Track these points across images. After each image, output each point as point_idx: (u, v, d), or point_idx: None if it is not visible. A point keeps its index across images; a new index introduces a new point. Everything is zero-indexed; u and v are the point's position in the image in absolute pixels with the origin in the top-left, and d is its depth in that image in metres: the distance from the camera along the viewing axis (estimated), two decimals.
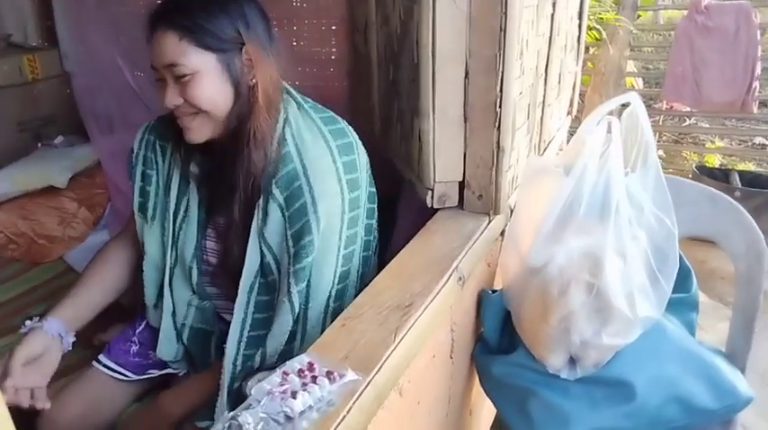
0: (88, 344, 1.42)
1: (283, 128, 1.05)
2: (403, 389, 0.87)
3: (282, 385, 0.70)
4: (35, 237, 1.89)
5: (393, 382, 0.82)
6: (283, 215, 1.03)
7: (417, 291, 0.95)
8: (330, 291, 1.06)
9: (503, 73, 1.10)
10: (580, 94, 4.01)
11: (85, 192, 2.01)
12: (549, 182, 1.13)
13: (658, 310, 1.06)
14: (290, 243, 1.02)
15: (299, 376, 0.72)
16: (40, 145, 2.28)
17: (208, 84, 1.00)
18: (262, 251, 1.06)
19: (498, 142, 1.15)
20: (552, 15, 1.43)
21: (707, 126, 4.29)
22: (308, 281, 1.03)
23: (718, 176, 3.14)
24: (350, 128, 1.13)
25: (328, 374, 0.72)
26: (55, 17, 2.27)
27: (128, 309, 1.39)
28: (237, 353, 1.08)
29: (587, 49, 4.13)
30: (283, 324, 1.03)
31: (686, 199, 1.24)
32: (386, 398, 0.80)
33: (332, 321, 0.98)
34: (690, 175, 3.30)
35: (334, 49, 1.94)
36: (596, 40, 3.96)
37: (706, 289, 2.47)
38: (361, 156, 1.11)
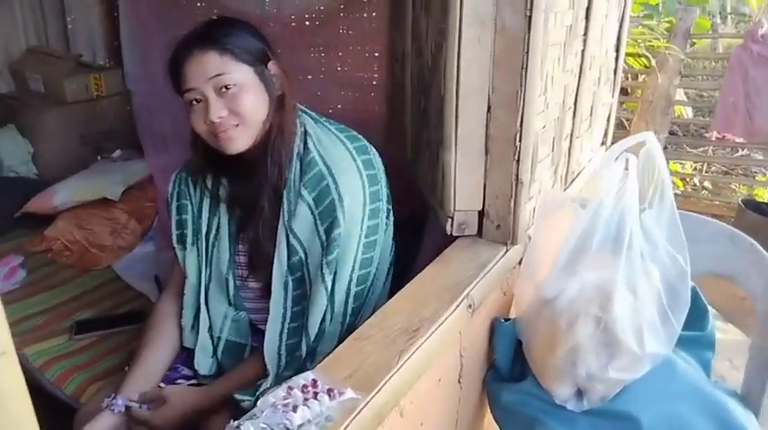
0: (126, 349, 1.53)
1: (305, 138, 1.17)
2: (404, 409, 0.91)
3: (286, 399, 0.76)
4: (88, 246, 2.03)
5: (394, 403, 0.87)
6: (312, 214, 1.13)
7: (426, 316, 1.00)
8: (351, 275, 1.15)
9: (523, 108, 1.14)
10: (627, 121, 3.99)
11: (136, 204, 2.14)
12: (566, 215, 1.16)
13: (667, 347, 1.07)
14: (323, 237, 1.13)
15: (303, 391, 0.78)
16: (99, 158, 2.45)
17: (250, 94, 1.11)
18: (289, 245, 1.15)
19: (517, 174, 1.19)
20: (583, 51, 1.46)
21: (760, 158, 4.16)
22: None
23: (766, 211, 3.04)
24: (363, 138, 1.24)
25: (329, 391, 0.78)
26: (121, 38, 2.45)
27: None
28: (281, 343, 1.18)
29: (636, 76, 4.10)
30: (320, 309, 1.13)
31: (705, 237, 1.25)
32: (385, 418, 0.85)
33: (354, 302, 1.15)
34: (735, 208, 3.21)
35: (376, 75, 2.01)
36: (645, 67, 3.93)
37: (743, 327, 2.39)
38: (376, 157, 1.22)
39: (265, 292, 1.22)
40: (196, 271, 1.28)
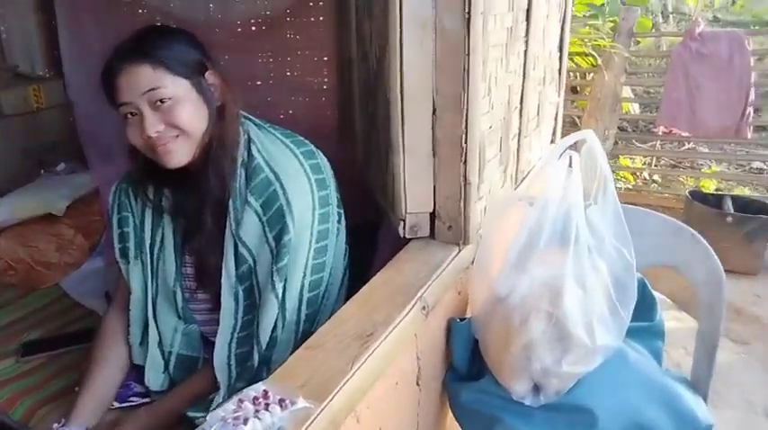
0: (76, 369, 1.48)
1: (248, 145, 1.15)
2: (361, 415, 0.90)
3: (236, 412, 0.74)
4: (33, 264, 1.95)
5: (349, 409, 0.86)
6: (261, 220, 1.12)
7: (380, 320, 0.99)
8: (303, 281, 1.14)
9: (467, 110, 1.15)
10: (578, 118, 4.08)
11: (83, 219, 2.07)
12: (514, 213, 1.18)
13: (618, 339, 1.09)
14: (273, 244, 1.11)
15: (254, 403, 0.77)
16: (43, 171, 2.36)
17: (187, 106, 1.08)
18: (238, 254, 1.13)
19: (465, 175, 1.20)
20: (525, 52, 1.49)
21: (705, 151, 4.32)
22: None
23: (711, 202, 3.15)
24: (311, 144, 1.22)
25: (281, 402, 0.77)
26: (60, 47, 2.37)
27: None
28: (230, 354, 1.16)
29: (584, 74, 4.20)
30: (271, 317, 1.11)
31: (650, 229, 1.28)
32: (341, 424, 0.84)
33: (306, 309, 1.13)
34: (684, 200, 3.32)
35: (326, 80, 2.00)
36: (593, 66, 4.03)
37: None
38: (324, 162, 1.21)
39: (215, 304, 1.20)
40: (141, 284, 1.25)
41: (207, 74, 1.12)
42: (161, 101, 1.05)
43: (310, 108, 2.04)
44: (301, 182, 1.13)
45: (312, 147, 1.21)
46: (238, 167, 1.14)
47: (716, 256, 1.21)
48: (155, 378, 1.25)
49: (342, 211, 1.25)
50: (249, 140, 1.16)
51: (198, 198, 1.14)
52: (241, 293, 1.16)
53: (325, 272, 1.19)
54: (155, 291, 1.24)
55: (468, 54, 1.10)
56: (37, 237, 1.99)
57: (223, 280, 1.15)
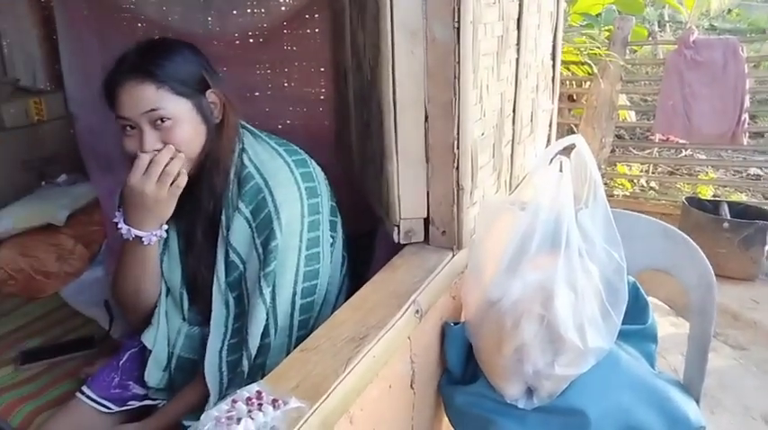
0: (75, 376, 1.49)
1: (240, 156, 1.17)
2: (354, 417, 0.92)
3: (229, 412, 0.76)
4: (33, 274, 1.97)
5: (342, 410, 0.87)
6: (250, 226, 1.13)
7: (373, 323, 1.01)
8: (295, 288, 1.15)
9: (459, 117, 1.17)
10: (575, 126, 4.10)
11: (83, 229, 2.09)
12: (506, 218, 1.19)
13: (609, 341, 1.10)
14: (260, 250, 1.12)
15: (247, 404, 0.78)
16: (43, 183, 2.38)
17: (187, 127, 1.10)
18: (228, 261, 1.14)
19: (458, 181, 1.22)
20: (517, 60, 1.51)
21: (703, 157, 4.34)
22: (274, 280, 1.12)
23: (708, 208, 3.17)
24: (305, 154, 1.24)
25: (274, 402, 0.78)
26: (62, 61, 2.40)
27: (102, 342, 1.48)
28: (221, 361, 1.17)
29: (581, 83, 4.23)
30: (259, 323, 1.12)
31: (641, 233, 1.30)
32: (334, 425, 0.85)
33: (300, 315, 1.15)
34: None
35: (323, 90, 2.03)
36: (588, 74, 4.06)
37: None
38: (317, 170, 1.23)
39: (208, 314, 1.21)
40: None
41: (208, 92, 1.14)
42: (161, 119, 1.07)
43: (308, 118, 2.07)
44: (291, 189, 1.14)
45: (305, 155, 1.23)
46: (231, 176, 1.16)
47: (706, 259, 1.22)
48: (155, 374, 1.26)
49: (338, 220, 1.27)
50: (243, 150, 1.18)
51: (191, 209, 1.17)
52: (232, 301, 1.17)
53: (319, 279, 1.20)
54: (166, 290, 1.26)
55: (459, 62, 1.13)
56: (37, 247, 2.01)
57: (214, 288, 1.17)
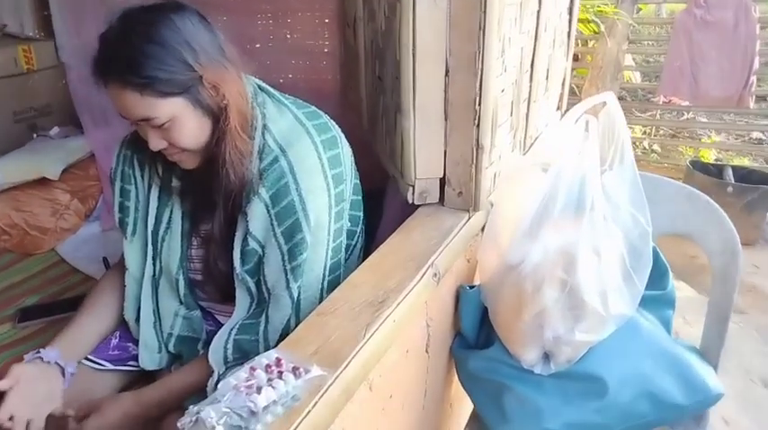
0: None
1: (263, 136, 1.05)
2: (373, 383, 0.89)
3: (248, 380, 0.72)
4: (28, 229, 1.91)
5: (362, 377, 0.84)
6: (268, 212, 1.04)
7: (392, 287, 0.97)
8: (323, 283, 1.09)
9: (482, 71, 1.11)
10: (578, 87, 4.02)
11: (78, 184, 2.03)
12: (528, 180, 1.15)
13: (631, 307, 1.07)
14: (282, 240, 1.04)
15: (267, 371, 0.74)
16: (35, 135, 2.30)
17: (187, 124, 1.00)
18: (247, 249, 1.07)
19: (478, 140, 1.16)
20: (538, 12, 1.44)
21: (705, 121, 4.28)
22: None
23: (712, 172, 3.14)
24: (332, 122, 1.15)
25: (294, 370, 0.74)
26: (51, 8, 2.28)
27: None
28: (228, 337, 1.09)
29: (586, 42, 4.13)
30: (283, 317, 1.06)
31: (664, 197, 1.25)
32: (355, 392, 0.82)
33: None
34: (684, 170, 3.30)
35: (327, 42, 1.96)
36: (595, 33, 3.96)
37: (695, 284, 2.48)
38: (345, 149, 1.14)
39: (220, 296, 1.17)
40: (139, 263, 1.19)
41: (203, 78, 0.98)
42: (158, 125, 0.98)
43: (311, 71, 2.00)
44: (317, 179, 1.05)
45: (335, 132, 1.12)
46: (254, 155, 1.05)
47: (732, 225, 1.18)
48: (149, 358, 1.21)
49: (359, 182, 1.20)
50: (265, 127, 1.06)
51: (211, 187, 1.07)
52: (253, 287, 1.11)
53: (341, 269, 1.14)
54: (159, 272, 1.19)
55: (485, 11, 1.06)
56: (31, 201, 1.95)
57: (236, 277, 1.10)
